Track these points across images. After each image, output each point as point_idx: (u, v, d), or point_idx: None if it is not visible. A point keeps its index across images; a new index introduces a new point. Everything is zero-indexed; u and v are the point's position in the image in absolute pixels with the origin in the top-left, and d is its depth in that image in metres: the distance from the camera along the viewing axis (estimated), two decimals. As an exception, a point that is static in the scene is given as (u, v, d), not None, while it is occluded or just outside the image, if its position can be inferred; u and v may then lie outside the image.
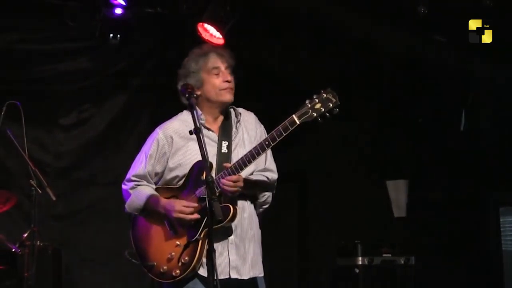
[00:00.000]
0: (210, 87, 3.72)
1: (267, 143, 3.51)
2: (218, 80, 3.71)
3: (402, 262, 6.35)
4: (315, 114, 3.47)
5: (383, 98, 6.94)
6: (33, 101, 6.05)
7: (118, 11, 6.01)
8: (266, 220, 3.86)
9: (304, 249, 7.44)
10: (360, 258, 6.22)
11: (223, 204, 3.48)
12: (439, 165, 6.86)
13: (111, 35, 6.13)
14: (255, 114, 3.91)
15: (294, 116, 3.48)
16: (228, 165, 3.55)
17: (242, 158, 3.53)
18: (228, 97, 3.74)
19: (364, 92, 6.89)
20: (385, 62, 6.70)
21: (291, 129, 3.47)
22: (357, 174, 7.18)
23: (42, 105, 6.36)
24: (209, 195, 3.20)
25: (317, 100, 3.49)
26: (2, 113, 5.14)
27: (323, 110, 3.46)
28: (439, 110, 6.83)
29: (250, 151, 3.53)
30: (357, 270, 6.19)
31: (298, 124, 3.47)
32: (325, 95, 3.49)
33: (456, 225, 6.68)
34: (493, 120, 6.51)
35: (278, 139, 3.49)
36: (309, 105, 3.49)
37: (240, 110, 3.86)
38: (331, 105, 3.47)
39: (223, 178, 3.52)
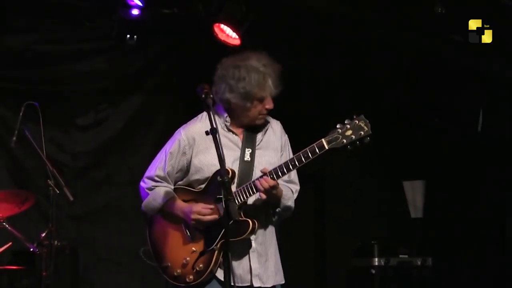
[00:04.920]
0: (251, 113, 3.67)
1: (293, 163, 3.48)
2: (260, 107, 3.64)
3: (419, 263, 6.36)
4: (345, 141, 3.42)
5: (399, 98, 6.92)
6: (51, 101, 6.10)
7: (135, 12, 6.01)
8: (282, 221, 3.85)
9: (320, 250, 7.48)
10: (376, 259, 6.26)
11: (242, 219, 3.50)
12: (456, 166, 6.84)
13: (128, 36, 6.15)
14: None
15: (323, 140, 3.44)
16: (268, 169, 3.52)
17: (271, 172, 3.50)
18: (260, 122, 3.71)
19: (380, 92, 6.88)
20: (402, 61, 6.69)
21: (319, 153, 3.43)
22: (373, 174, 7.19)
23: (60, 106, 6.41)
24: (225, 196, 3.19)
25: (348, 127, 3.43)
26: (21, 114, 5.18)
27: (353, 138, 3.41)
28: (457, 110, 6.80)
29: (275, 169, 3.49)
30: (373, 271, 6.23)
31: (327, 150, 3.43)
32: (357, 122, 3.43)
33: (474, 226, 6.66)
34: (510, 120, 6.48)
35: (304, 162, 3.45)
36: (340, 131, 3.43)
37: (269, 118, 3.81)
38: (362, 133, 3.41)
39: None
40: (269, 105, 3.64)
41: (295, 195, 3.78)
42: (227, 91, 3.63)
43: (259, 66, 3.59)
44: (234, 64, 3.63)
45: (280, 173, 3.50)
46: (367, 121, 3.43)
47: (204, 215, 3.55)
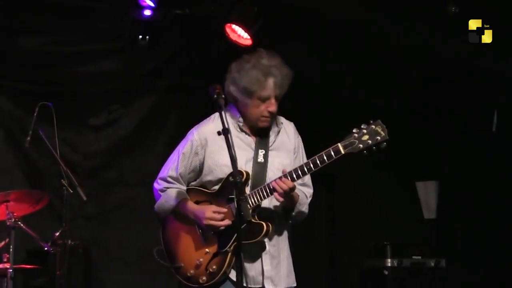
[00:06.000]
0: (252, 111, 3.66)
1: (308, 167, 3.48)
2: (262, 107, 3.64)
3: (432, 264, 6.31)
4: (361, 146, 3.42)
5: (411, 98, 6.92)
6: (64, 102, 6.13)
7: (147, 12, 6.03)
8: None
9: (332, 251, 7.44)
10: (389, 260, 6.21)
11: (256, 221, 3.51)
12: (470, 166, 6.82)
13: (140, 36, 6.17)
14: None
15: (339, 145, 3.44)
16: (287, 170, 3.52)
17: (289, 174, 3.50)
18: (263, 125, 3.70)
19: (392, 92, 6.87)
20: (415, 61, 6.68)
21: (334, 158, 3.43)
22: (386, 174, 7.14)
23: (73, 106, 6.46)
24: (237, 196, 3.21)
25: (365, 131, 3.44)
26: (35, 114, 5.22)
27: (370, 143, 3.42)
28: (471, 110, 6.79)
29: (290, 172, 3.49)
30: (386, 272, 6.18)
31: (343, 154, 3.43)
32: (373, 127, 3.44)
33: (488, 227, 6.62)
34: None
35: (320, 166, 3.45)
36: (356, 136, 3.44)
37: (282, 119, 3.82)
38: (379, 138, 3.42)
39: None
40: (271, 107, 3.63)
41: (309, 200, 3.80)
42: (230, 83, 3.66)
43: (265, 64, 3.60)
44: (245, 59, 3.66)
45: (295, 176, 3.50)
46: (384, 126, 3.44)
47: (217, 220, 3.56)
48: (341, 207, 7.43)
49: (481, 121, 6.68)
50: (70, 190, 5.13)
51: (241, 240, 3.30)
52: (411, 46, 6.28)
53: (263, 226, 3.51)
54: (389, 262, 6.21)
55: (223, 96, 3.47)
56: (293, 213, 3.69)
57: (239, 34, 6.09)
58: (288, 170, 3.54)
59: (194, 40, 6.60)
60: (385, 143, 3.43)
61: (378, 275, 6.24)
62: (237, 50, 5.69)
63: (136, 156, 6.74)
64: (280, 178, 3.50)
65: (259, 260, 3.62)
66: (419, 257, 6.32)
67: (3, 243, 5.33)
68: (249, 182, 3.59)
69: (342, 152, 3.43)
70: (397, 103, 6.94)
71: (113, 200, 6.66)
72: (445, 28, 5.82)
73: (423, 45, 6.15)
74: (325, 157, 3.44)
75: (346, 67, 6.70)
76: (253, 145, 3.71)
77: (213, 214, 3.58)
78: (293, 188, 3.51)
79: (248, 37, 6.04)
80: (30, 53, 6.22)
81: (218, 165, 3.65)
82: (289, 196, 3.54)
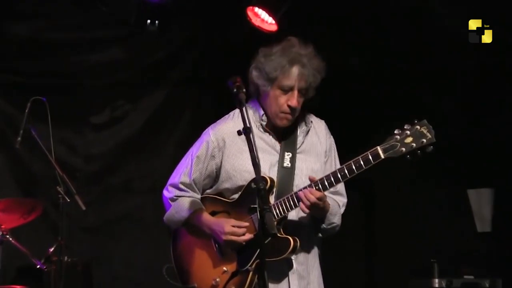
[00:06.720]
0: (271, 103, 3.69)
1: (342, 174, 3.47)
2: (282, 99, 3.65)
3: (487, 285, 6.26)
4: (403, 150, 3.40)
5: (461, 97, 6.86)
6: (61, 97, 6.14)
7: (156, -7, 6.07)
8: (325, 238, 3.87)
9: (371, 269, 7.46)
10: (436, 280, 6.17)
11: (282, 236, 3.50)
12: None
13: (149, 21, 6.14)
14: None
15: (379, 148, 3.43)
16: (315, 177, 3.52)
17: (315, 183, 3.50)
18: (282, 123, 3.70)
19: (439, 91, 6.85)
20: (465, 58, 6.64)
21: (373, 163, 3.42)
22: (432, 182, 7.12)
23: (71, 102, 6.45)
24: (260, 205, 3.16)
25: (408, 133, 3.42)
26: (26, 111, 5.20)
27: (414, 146, 3.39)
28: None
29: (322, 179, 3.50)
30: (433, 294, 6.32)
31: (383, 159, 3.42)
32: (418, 128, 3.42)
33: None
34: None
35: (356, 172, 3.44)
36: (398, 138, 3.42)
37: (312, 117, 3.83)
38: (424, 141, 3.39)
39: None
40: (292, 101, 3.63)
41: (342, 210, 3.81)
42: (254, 69, 3.70)
43: (295, 51, 3.63)
44: (274, 44, 3.70)
45: (327, 185, 3.50)
46: (430, 127, 3.42)
47: (238, 235, 3.57)
48: (381, 218, 7.43)
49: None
50: (67, 199, 5.11)
51: (265, 257, 3.26)
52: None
53: (290, 241, 3.52)
54: (436, 283, 6.17)
55: (244, 90, 3.44)
56: (324, 225, 3.69)
57: (263, 18, 6.08)
58: (317, 177, 3.54)
59: (210, 25, 6.60)
60: (431, 147, 3.40)
61: (424, 298, 6.52)
62: (260, 37, 5.70)
63: (144, 159, 6.75)
64: (308, 187, 3.51)
65: (285, 280, 3.62)
66: (472, 277, 6.29)
67: (-11, 260, 5.36)
68: (274, 190, 3.61)
69: (382, 156, 3.42)
70: (447, 101, 6.87)
71: (118, 209, 6.66)
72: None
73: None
74: (362, 162, 3.43)
75: (386, 58, 6.68)
76: (278, 148, 3.72)
77: (234, 229, 3.59)
78: (321, 199, 3.50)
79: (273, 22, 6.04)
80: (22, 40, 6.21)
81: (238, 170, 3.67)
82: (316, 208, 3.54)
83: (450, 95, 6.91)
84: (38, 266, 5.28)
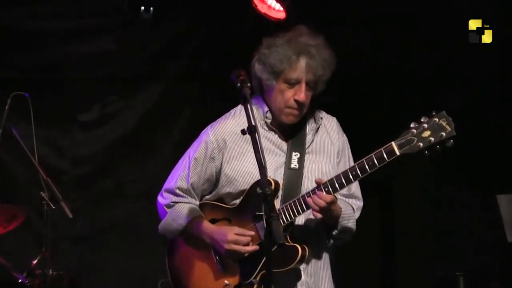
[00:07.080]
0: (276, 98, 3.67)
1: (354, 173, 3.44)
2: (289, 94, 3.64)
3: (519, 302, 6.31)
4: (421, 145, 3.37)
5: (487, 94, 6.89)
6: (45, 92, 6.20)
7: (151, -22, 6.12)
8: (339, 246, 3.85)
9: (389, 282, 7.46)
10: (463, 295, 6.23)
11: (289, 244, 3.49)
12: None
13: (143, 8, 6.19)
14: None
15: (393, 144, 3.40)
16: (322, 180, 3.48)
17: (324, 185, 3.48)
18: (287, 120, 3.69)
19: (464, 90, 6.86)
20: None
21: (387, 160, 3.39)
22: (456, 186, 7.14)
23: (57, 97, 6.48)
24: (266, 213, 3.09)
25: (426, 126, 3.37)
26: (7, 107, 5.24)
27: (432, 140, 3.35)
28: None
29: (332, 180, 3.47)
30: (459, 310, 6.24)
31: (398, 156, 3.39)
32: (437, 120, 3.37)
33: None
34: None
35: (369, 171, 3.42)
36: (415, 132, 3.39)
37: (322, 113, 3.83)
38: (444, 135, 3.34)
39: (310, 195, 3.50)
40: (300, 95, 3.62)
41: (357, 214, 3.78)
42: (257, 61, 3.70)
43: (302, 42, 3.62)
44: (280, 34, 3.68)
45: (338, 186, 3.47)
46: (450, 119, 3.37)
47: (241, 244, 3.55)
48: (400, 225, 7.44)
49: None
50: (52, 205, 5.13)
51: (271, 269, 3.21)
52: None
53: (298, 249, 3.51)
54: (462, 297, 6.27)
55: (249, 84, 3.41)
56: (336, 231, 3.66)
57: (270, 5, 6.13)
58: (326, 179, 3.52)
59: (211, 13, 6.58)
60: (451, 141, 3.35)
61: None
62: (267, 26, 5.76)
63: (138, 160, 6.77)
64: (316, 189, 3.48)
65: None
66: (502, 293, 6.36)
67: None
68: (279, 193, 3.61)
69: (397, 153, 3.39)
70: (471, 100, 6.88)
71: (109, 217, 6.66)
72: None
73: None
74: (375, 160, 3.40)
75: (403, 48, 6.70)
76: (285, 147, 3.73)
77: (237, 237, 3.58)
78: (332, 203, 3.47)
79: (281, 9, 6.08)
80: (3, 29, 6.19)
81: (241, 174, 3.66)
82: (327, 212, 3.51)
83: (475, 88, 6.93)
84: (20, 281, 5.28)
